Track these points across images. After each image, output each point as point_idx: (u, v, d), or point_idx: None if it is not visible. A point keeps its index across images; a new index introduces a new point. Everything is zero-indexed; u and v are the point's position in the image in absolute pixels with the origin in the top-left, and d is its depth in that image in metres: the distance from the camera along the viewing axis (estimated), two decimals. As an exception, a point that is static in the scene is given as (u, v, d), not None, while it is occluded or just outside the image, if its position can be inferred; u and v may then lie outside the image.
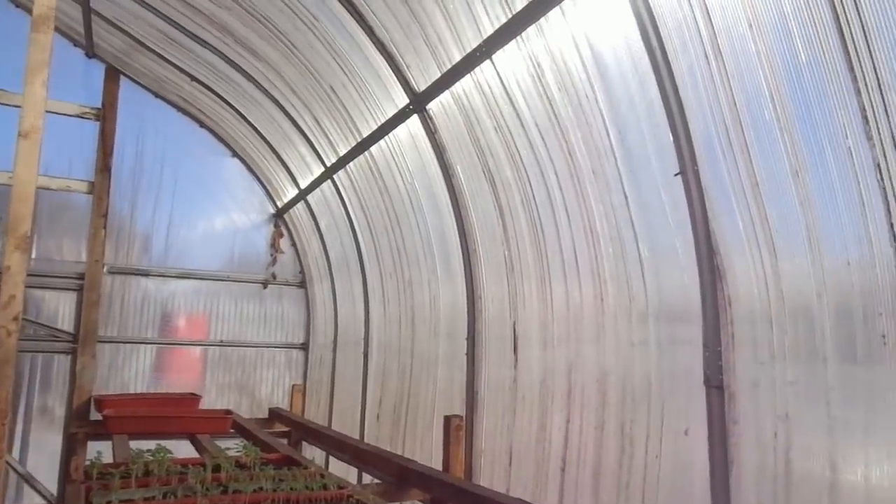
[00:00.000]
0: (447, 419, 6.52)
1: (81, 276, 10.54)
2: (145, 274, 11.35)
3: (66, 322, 10.53)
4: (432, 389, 7.98)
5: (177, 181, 11.73)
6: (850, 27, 3.54)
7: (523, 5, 5.22)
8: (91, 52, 10.67)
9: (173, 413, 9.33)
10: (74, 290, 10.56)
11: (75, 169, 10.76)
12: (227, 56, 9.21)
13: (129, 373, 11.13)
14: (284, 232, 12.42)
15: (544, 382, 6.08)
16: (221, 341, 11.85)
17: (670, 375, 4.89)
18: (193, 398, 10.11)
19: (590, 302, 5.68)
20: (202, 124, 11.74)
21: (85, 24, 9.65)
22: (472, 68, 6.05)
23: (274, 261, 12.34)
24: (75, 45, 10.69)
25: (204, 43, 9.12)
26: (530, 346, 6.34)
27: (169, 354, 11.56)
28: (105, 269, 10.80)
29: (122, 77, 10.99)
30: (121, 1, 8.75)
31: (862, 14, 3.48)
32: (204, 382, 11.73)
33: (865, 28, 3.49)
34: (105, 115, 10.69)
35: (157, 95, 11.36)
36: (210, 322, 11.92)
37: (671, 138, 4.59)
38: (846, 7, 3.52)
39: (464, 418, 6.64)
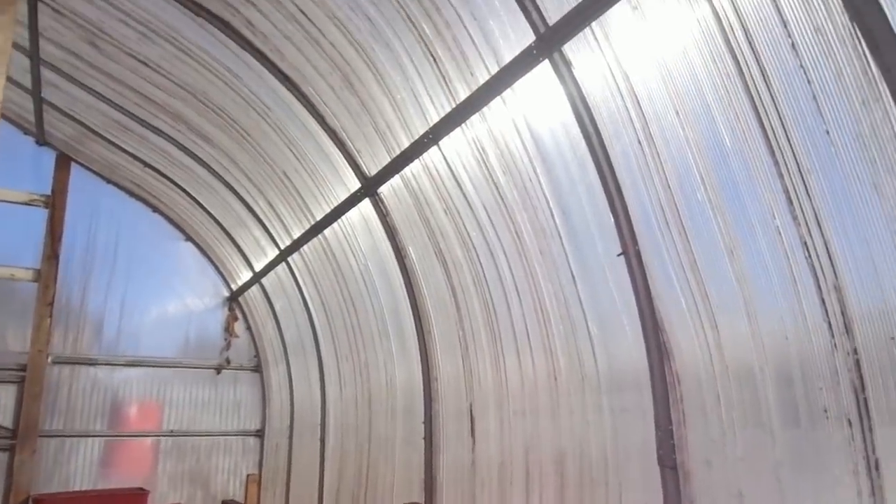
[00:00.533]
0: (405, 507, 6.34)
1: (24, 368, 10.13)
2: (93, 363, 10.98)
3: (5, 416, 10.03)
4: (390, 474, 7.78)
5: (129, 266, 11.54)
6: (768, 116, 3.78)
7: (466, 95, 5.43)
8: (42, 140, 10.64)
9: (119, 511, 8.87)
10: (15, 382, 10.12)
11: (22, 256, 10.51)
12: (180, 143, 9.29)
13: (74, 468, 10.57)
14: (239, 315, 12.23)
15: (503, 465, 5.99)
16: (173, 431, 11.42)
17: (626, 453, 4.88)
18: (141, 494, 9.64)
19: (543, 379, 5.70)
20: (155, 209, 11.69)
21: (36, 113, 9.66)
22: (421, 153, 6.22)
23: (228, 345, 12.09)
24: (25, 133, 10.66)
25: (157, 130, 9.20)
26: (487, 427, 6.27)
27: (117, 446, 11.05)
28: (50, 359, 10.42)
29: (73, 164, 10.94)
30: (73, 91, 8.81)
31: (778, 104, 3.72)
32: (155, 475, 11.20)
33: (782, 116, 3.73)
34: (54, 202, 10.57)
35: (109, 181, 11.31)
36: (162, 411, 11.50)
37: (612, 219, 4.74)
38: (763, 98, 3.76)
39: (422, 505, 6.47)
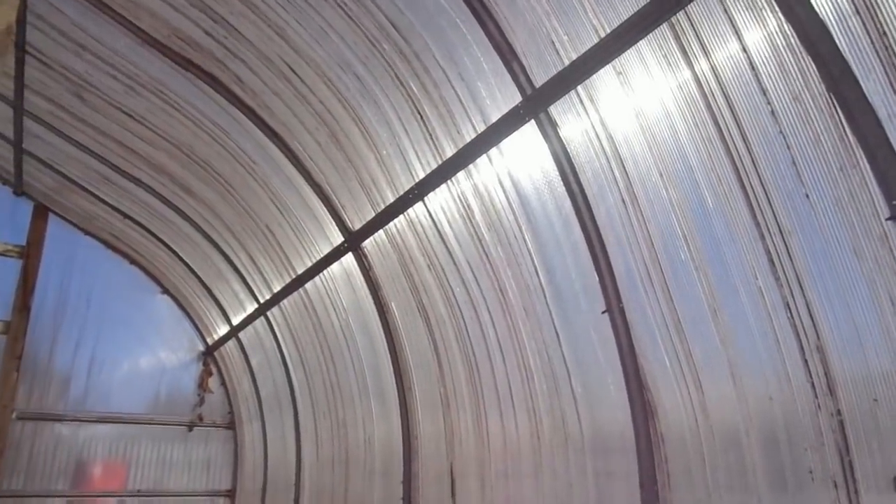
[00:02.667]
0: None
1: (-13, 424, 9.77)
2: (60, 419, 10.60)
3: (-37, 475, 9.62)
4: (367, 538, 7.54)
5: (102, 319, 11.29)
6: (749, 179, 3.88)
7: (453, 152, 5.52)
8: (19, 191, 10.54)
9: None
10: (-23, 439, 9.74)
11: (-9, 307, 10.27)
12: (162, 195, 9.26)
13: (33, 531, 10.10)
14: (214, 370, 11.97)
15: (484, 528, 5.84)
16: (139, 491, 10.99)
17: (610, 516, 4.80)
18: (103, 558, 9.20)
19: (526, 440, 5.62)
20: (133, 261, 11.54)
21: (15, 163, 9.60)
22: (406, 209, 6.26)
23: (201, 401, 11.79)
24: (3, 184, 10.55)
25: (139, 182, 9.17)
26: (468, 488, 6.13)
27: (80, 508, 10.61)
28: (14, 416, 10.06)
29: (50, 214, 10.82)
30: (55, 142, 8.79)
31: (759, 168, 3.82)
32: (118, 537, 10.74)
33: (763, 180, 3.83)
34: (29, 253, 10.41)
35: (86, 232, 11.18)
36: (128, 469, 11.08)
37: (597, 277, 4.78)
38: (744, 162, 3.87)
39: (400, 570, 6.25)
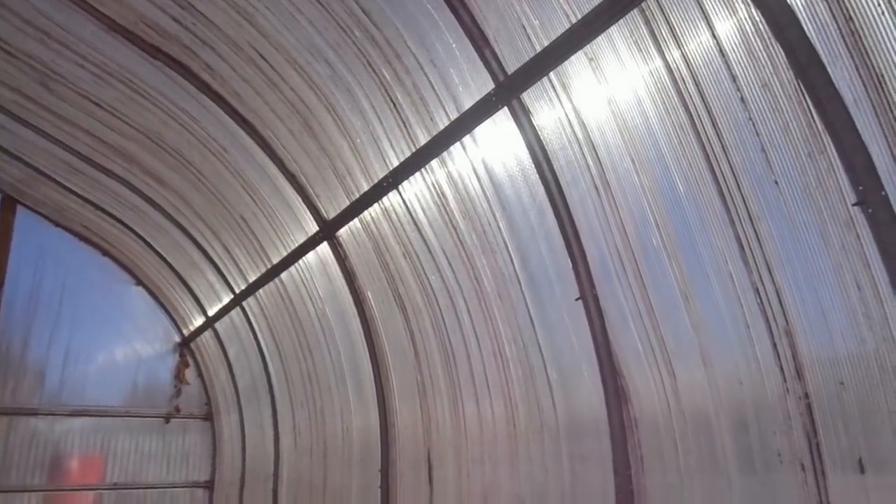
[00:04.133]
0: (361, 561, 6.14)
1: (-42, 419, 9.62)
2: (34, 413, 10.46)
3: (-66, 472, 9.47)
4: (346, 526, 7.55)
5: (76, 312, 11.11)
6: (719, 165, 3.90)
7: (426, 140, 5.49)
8: (-14, 181, 10.32)
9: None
10: (-52, 435, 9.59)
11: (-40, 302, 10.08)
12: (133, 185, 9.11)
13: (9, 526, 9.99)
14: (190, 361, 11.86)
15: (461, 514, 5.88)
16: (116, 483, 10.89)
17: (584, 499, 4.85)
18: (80, 552, 9.13)
19: (502, 424, 5.65)
20: (105, 252, 11.36)
21: (-19, 154, 9.39)
22: (380, 197, 6.22)
23: (178, 392, 11.68)
24: (-31, 174, 10.32)
25: (110, 172, 9.01)
26: (445, 474, 6.16)
27: (57, 502, 10.48)
28: (-13, 410, 9.91)
29: (19, 206, 10.61)
30: (22, 132, 8.59)
31: (728, 154, 3.84)
32: (96, 532, 10.64)
33: (733, 166, 3.85)
34: (-2, 245, 10.21)
35: (57, 224, 10.97)
36: (105, 462, 10.96)
37: (570, 263, 4.80)
38: (715, 149, 3.89)
39: (379, 558, 6.28)
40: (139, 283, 11.64)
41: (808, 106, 3.44)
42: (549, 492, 5.10)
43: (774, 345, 3.78)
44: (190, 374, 11.82)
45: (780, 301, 3.76)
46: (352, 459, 7.70)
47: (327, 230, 7.07)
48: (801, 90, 3.44)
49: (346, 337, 7.66)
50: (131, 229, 10.24)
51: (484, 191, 5.38)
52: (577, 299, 4.75)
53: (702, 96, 3.87)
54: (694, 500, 4.12)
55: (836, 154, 3.38)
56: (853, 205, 3.33)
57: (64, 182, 9.66)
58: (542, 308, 5.23)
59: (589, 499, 4.79)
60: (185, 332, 11.72)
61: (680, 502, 4.18)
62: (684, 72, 3.89)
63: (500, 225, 5.38)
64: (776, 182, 3.67)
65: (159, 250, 10.37)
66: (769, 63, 3.53)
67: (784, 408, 3.74)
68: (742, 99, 3.71)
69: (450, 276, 5.98)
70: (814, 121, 3.43)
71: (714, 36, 3.70)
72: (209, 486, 11.52)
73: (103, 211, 10.07)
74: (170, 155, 8.10)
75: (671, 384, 4.33)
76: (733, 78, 3.71)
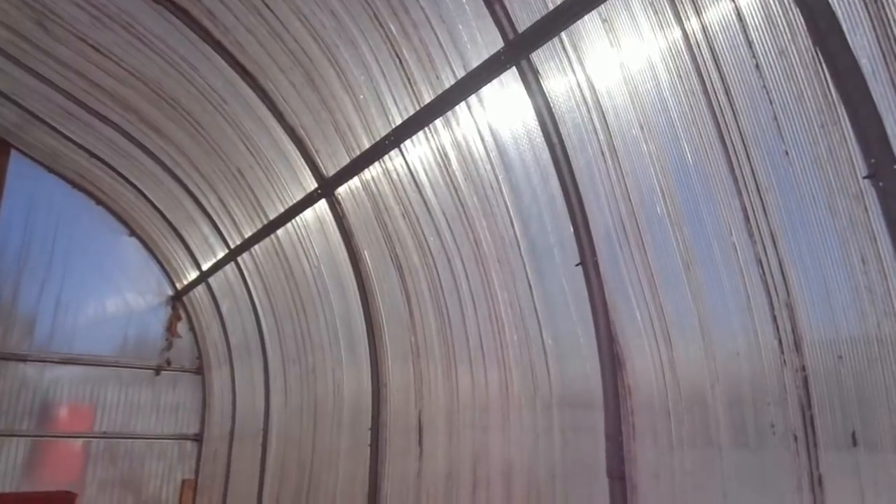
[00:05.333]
0: (348, 516, 6.19)
1: (-52, 362, 9.60)
2: (24, 359, 10.45)
3: (-77, 414, 9.48)
4: (333, 483, 7.60)
5: (68, 260, 11.04)
6: (730, 134, 3.83)
7: (431, 98, 5.38)
8: (-20, 124, 10.15)
9: (43, 515, 8.43)
10: (-62, 377, 9.57)
11: (-48, 246, 9.99)
12: (129, 133, 8.97)
13: (-3, 469, 10.02)
14: (182, 315, 11.85)
15: (450, 475, 5.91)
16: (106, 432, 10.94)
17: (574, 465, 4.86)
18: (68, 496, 9.19)
19: (495, 390, 5.65)
20: (99, 201, 11.24)
21: (-25, 95, 9.21)
22: (381, 156, 6.13)
23: (169, 345, 11.68)
24: (-38, 116, 10.14)
25: (105, 119, 8.87)
26: (436, 436, 6.18)
27: (45, 448, 10.51)
28: (-24, 354, 9.89)
29: (13, 150, 10.45)
30: (17, 74, 8.42)
31: (740, 123, 3.77)
32: (84, 478, 10.69)
33: (743, 135, 3.78)
34: (-9, 190, 10.07)
35: (51, 170, 10.84)
36: (95, 411, 11.00)
37: (572, 230, 4.74)
38: (726, 116, 3.81)
39: (366, 515, 6.33)
40: (132, 233, 11.56)
41: (824, 75, 3.36)
42: (539, 457, 5.12)
43: (774, 317, 3.76)
44: (182, 327, 11.81)
45: (782, 273, 3.73)
46: (342, 419, 7.73)
47: (326, 187, 6.99)
48: (818, 58, 3.36)
49: (340, 297, 7.62)
50: (126, 178, 10.12)
51: (488, 152, 5.30)
52: (577, 265, 4.71)
53: (716, 62, 3.78)
54: (685, 469, 4.13)
55: (849, 125, 3.31)
56: (864, 177, 3.28)
57: (58, 127, 9.52)
58: (541, 273, 5.19)
59: (580, 465, 4.81)
60: (178, 286, 11.68)
61: (671, 471, 4.19)
62: (699, 36, 3.80)
63: (503, 188, 5.31)
64: (786, 152, 3.61)
65: (154, 201, 10.27)
66: (787, 29, 3.45)
67: (780, 380, 3.73)
68: (757, 66, 3.62)
69: (448, 239, 5.92)
70: (829, 90, 3.36)
71: None
72: (198, 438, 11.60)
73: (98, 158, 9.94)
74: (167, 104, 7.96)
75: (668, 353, 4.32)
76: (749, 44, 3.63)
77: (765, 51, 3.58)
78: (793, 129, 3.58)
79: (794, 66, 3.48)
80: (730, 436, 4.01)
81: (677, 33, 3.88)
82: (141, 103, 8.23)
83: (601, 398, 4.61)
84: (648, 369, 4.44)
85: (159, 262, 11.73)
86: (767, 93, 3.63)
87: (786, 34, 3.47)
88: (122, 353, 11.38)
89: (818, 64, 3.37)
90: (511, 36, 4.58)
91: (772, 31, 3.52)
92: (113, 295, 11.48)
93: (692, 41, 3.84)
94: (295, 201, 7.60)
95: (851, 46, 3.21)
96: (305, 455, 8.31)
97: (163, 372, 11.55)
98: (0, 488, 9.88)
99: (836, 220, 3.47)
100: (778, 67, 3.55)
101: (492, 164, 5.31)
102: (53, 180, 10.94)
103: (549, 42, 4.44)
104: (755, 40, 3.60)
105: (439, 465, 6.05)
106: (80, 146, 9.80)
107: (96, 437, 10.90)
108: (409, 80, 5.56)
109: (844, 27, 3.22)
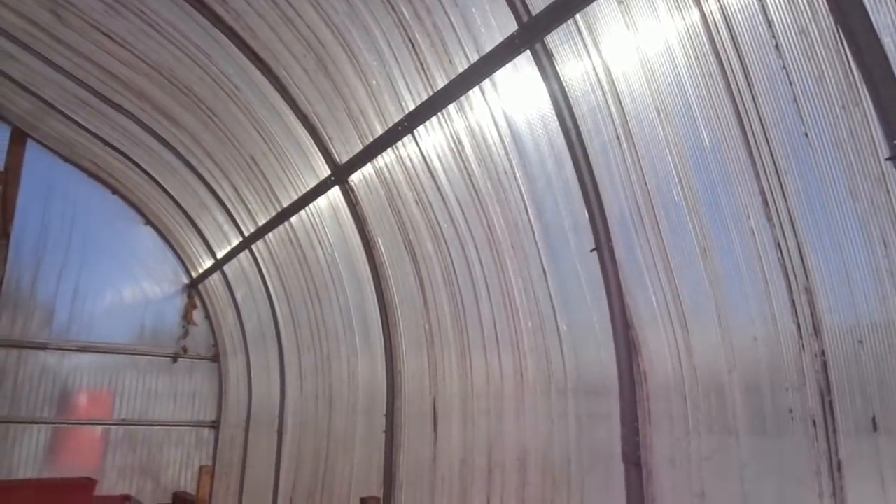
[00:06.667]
0: (363, 501, 6.22)
1: (-32, 351, 9.73)
2: (43, 347, 10.58)
3: (-55, 401, 9.63)
4: (349, 469, 7.65)
5: (85, 249, 11.14)
6: (748, 116, 3.77)
7: (444, 84, 5.34)
8: (-4, 114, 10.23)
9: (63, 501, 8.54)
10: (-41, 365, 9.71)
11: (-30, 235, 10.09)
12: (143, 122, 9.00)
13: (19, 456, 10.17)
14: (198, 303, 11.93)
15: (464, 461, 5.92)
16: (124, 420, 11.08)
17: (590, 451, 4.85)
18: (88, 483, 9.32)
19: (510, 376, 5.64)
20: (114, 190, 11.32)
21: (-9, 85, 9.27)
22: (395, 142, 6.10)
23: (186, 333, 11.79)
24: (-21, 106, 10.22)
25: (119, 108, 8.90)
26: (450, 422, 6.19)
27: (65, 435, 10.67)
28: (-3, 342, 10.02)
29: (29, 140, 10.53)
30: (32, 63, 8.46)
31: (759, 105, 3.71)
32: (104, 465, 10.84)
33: (762, 117, 3.72)
34: (7, 179, 10.15)
35: (66, 160, 10.91)
36: (114, 399, 11.14)
37: (587, 215, 4.70)
38: (745, 99, 3.75)
39: (381, 500, 6.36)
40: (148, 222, 11.64)
41: (845, 54, 3.29)
42: (554, 443, 5.11)
43: (793, 301, 3.71)
44: (197, 315, 11.90)
45: (801, 257, 3.67)
46: (357, 406, 7.77)
47: (339, 174, 6.98)
48: (839, 37, 3.29)
49: (354, 283, 7.63)
50: (140, 167, 10.17)
51: (501, 137, 5.26)
52: (592, 250, 4.67)
53: (734, 43, 3.72)
54: (702, 454, 4.11)
55: (871, 106, 3.24)
56: (886, 159, 3.21)
57: (73, 116, 9.57)
58: (556, 259, 5.16)
59: (595, 451, 4.80)
60: (194, 274, 11.76)
61: (687, 457, 4.17)
62: (718, 17, 3.73)
63: (517, 173, 5.27)
64: (806, 134, 3.55)
65: (168, 189, 10.32)
66: (808, 8, 3.37)
67: (799, 365, 3.69)
68: (777, 46, 3.55)
69: (462, 225, 5.90)
70: (850, 70, 3.29)
71: (752, -24, 3.53)
72: (215, 425, 11.71)
73: (112, 147, 10.00)
74: (181, 91, 7.96)
75: (684, 338, 4.28)
76: (769, 23, 3.55)
77: (785, 30, 3.51)
78: (813, 111, 3.51)
79: (815, 45, 3.41)
80: (747, 421, 3.98)
81: (695, 14, 3.81)
82: (154, 91, 8.25)
83: (616, 384, 4.58)
84: (664, 355, 4.40)
85: (174, 250, 11.81)
86: (787, 74, 3.56)
87: (806, 13, 3.40)
88: (139, 340, 11.49)
89: (839, 43, 3.30)
90: (525, 19, 4.53)
91: (792, 10, 3.45)
92: (129, 283, 11.58)
93: (710, 21, 3.77)
94: (308, 188, 7.60)
95: (874, 25, 3.14)
96: (321, 441, 8.37)
97: (179, 359, 11.66)
98: (22, 475, 10.05)
99: (857, 202, 3.41)
100: (798, 47, 3.48)
101: (506, 150, 5.27)
102: (69, 169, 11.02)
103: (564, 25, 4.38)
104: (774, 20, 3.53)
105: (454, 451, 6.06)
106: (95, 135, 9.85)
107: (115, 424, 11.04)
108: (421, 65, 5.53)
109: (867, 5, 3.14)
